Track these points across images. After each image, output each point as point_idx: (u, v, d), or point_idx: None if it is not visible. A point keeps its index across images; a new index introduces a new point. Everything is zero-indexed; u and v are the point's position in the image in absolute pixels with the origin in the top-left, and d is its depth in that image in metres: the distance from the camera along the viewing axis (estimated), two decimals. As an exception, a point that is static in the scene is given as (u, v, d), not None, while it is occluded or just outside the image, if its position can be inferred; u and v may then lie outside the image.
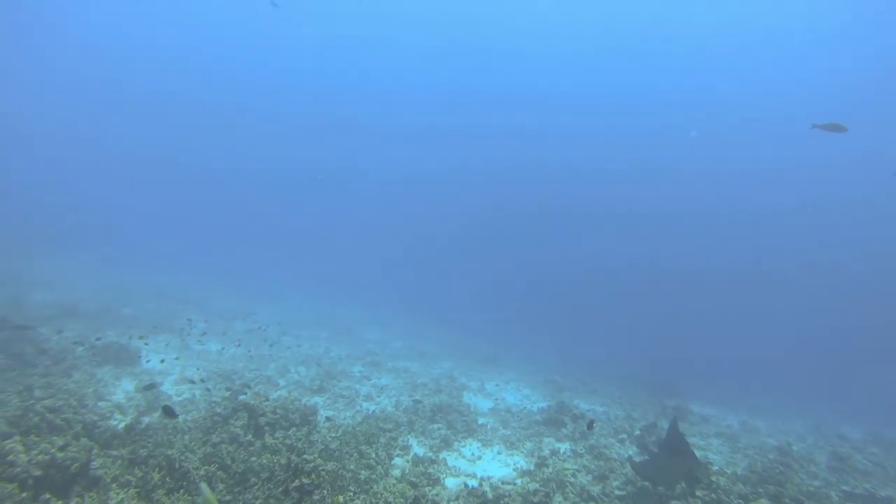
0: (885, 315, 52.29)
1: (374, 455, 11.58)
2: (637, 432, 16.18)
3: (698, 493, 10.68)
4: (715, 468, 12.02)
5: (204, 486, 7.33)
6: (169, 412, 9.44)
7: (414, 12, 75.02)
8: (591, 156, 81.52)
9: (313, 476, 8.13)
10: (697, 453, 15.34)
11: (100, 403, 12.67)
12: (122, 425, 10.26)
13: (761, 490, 10.50)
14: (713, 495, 10.39)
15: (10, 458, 7.42)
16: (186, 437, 9.97)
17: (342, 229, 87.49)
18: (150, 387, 9.49)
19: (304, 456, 8.56)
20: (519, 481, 11.84)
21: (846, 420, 24.38)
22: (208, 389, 15.36)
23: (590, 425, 12.76)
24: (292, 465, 8.29)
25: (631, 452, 14.55)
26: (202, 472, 8.15)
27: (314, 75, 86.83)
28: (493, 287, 65.44)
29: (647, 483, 11.48)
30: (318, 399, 16.52)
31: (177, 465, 8.08)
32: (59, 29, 71.00)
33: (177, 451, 8.45)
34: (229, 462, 8.76)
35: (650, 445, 14.23)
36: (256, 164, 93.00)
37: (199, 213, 77.58)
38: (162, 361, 17.20)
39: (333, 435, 12.46)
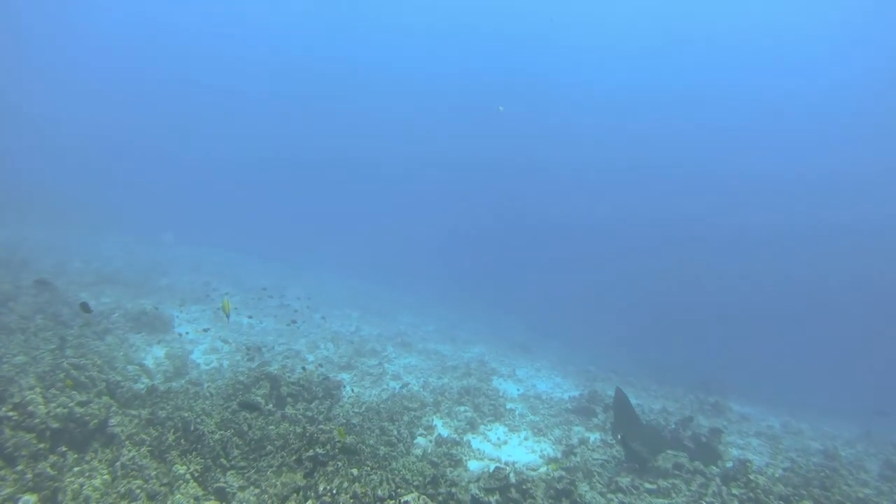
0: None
1: (395, 433, 11.32)
2: (672, 426, 15.49)
3: (735, 490, 10.07)
4: (754, 467, 11.33)
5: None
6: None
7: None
8: (626, 152, 79.95)
9: (328, 447, 7.90)
10: (735, 452, 14.71)
11: (128, 367, 12.78)
12: (144, 388, 10.26)
13: (804, 492, 9.80)
14: (751, 494, 9.77)
15: (30, 408, 7.42)
16: (207, 402, 9.91)
17: (383, 214, 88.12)
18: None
19: (321, 426, 8.34)
20: (544, 468, 11.43)
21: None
22: (265, 353, 15.43)
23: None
24: (307, 434, 8.07)
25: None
26: (217, 437, 8.01)
27: (346, 66, 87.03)
28: (535, 279, 64.88)
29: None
30: (345, 375, 16.41)
31: (192, 428, 7.95)
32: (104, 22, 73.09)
33: (193, 413, 8.33)
34: (246, 428, 8.61)
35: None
36: (296, 148, 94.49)
37: (239, 194, 79.21)
38: (185, 333, 17.37)
39: (356, 410, 12.29)
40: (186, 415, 8.33)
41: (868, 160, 65.66)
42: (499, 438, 13.23)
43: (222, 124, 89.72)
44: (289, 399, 11.53)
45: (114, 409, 8.23)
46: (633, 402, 19.26)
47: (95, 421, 7.84)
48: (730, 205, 75.68)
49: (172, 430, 8.01)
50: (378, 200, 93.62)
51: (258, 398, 10.57)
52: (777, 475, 11.85)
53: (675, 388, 23.22)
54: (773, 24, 60.92)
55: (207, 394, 10.77)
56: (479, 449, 12.23)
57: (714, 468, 11.65)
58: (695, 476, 11.23)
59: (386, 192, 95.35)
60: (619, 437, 12.25)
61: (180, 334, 16.97)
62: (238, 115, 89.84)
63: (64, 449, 7.02)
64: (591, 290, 61.24)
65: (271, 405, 10.76)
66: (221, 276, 30.09)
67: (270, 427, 8.91)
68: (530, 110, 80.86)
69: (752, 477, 10.35)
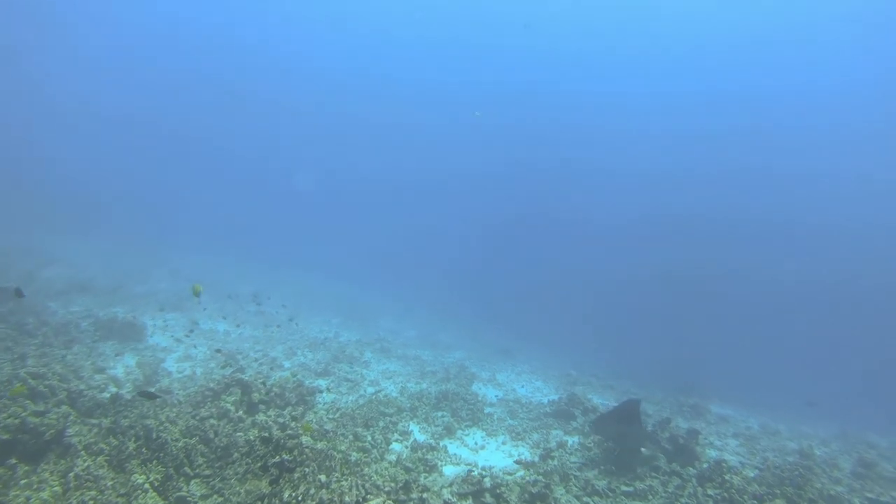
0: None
1: (370, 438, 11.14)
2: (649, 428, 15.45)
3: (710, 490, 10.03)
4: (730, 468, 11.29)
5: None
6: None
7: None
8: (610, 155, 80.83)
9: (295, 452, 7.70)
10: (712, 453, 14.70)
11: (96, 376, 12.45)
12: (108, 395, 9.97)
13: (778, 491, 9.78)
14: (725, 494, 9.73)
15: (-21, 420, 7.14)
16: (174, 409, 9.65)
17: (367, 218, 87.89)
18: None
19: (288, 431, 8.14)
20: (521, 473, 11.30)
21: (875, 428, 23.15)
22: (240, 360, 15.11)
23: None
24: (273, 439, 7.86)
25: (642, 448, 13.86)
26: (181, 445, 7.78)
27: (339, 75, 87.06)
28: (515, 284, 64.88)
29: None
30: (321, 382, 16.16)
31: (154, 436, 7.71)
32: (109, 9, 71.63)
33: (156, 421, 8.09)
34: (212, 436, 8.38)
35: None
36: (283, 156, 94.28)
37: (222, 198, 78.43)
38: (176, 338, 17.03)
39: (331, 416, 12.09)
40: (149, 422, 8.09)
41: (862, 163, 67.04)
42: (476, 443, 13.07)
43: (211, 125, 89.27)
44: (261, 406, 11.30)
45: (72, 418, 7.96)
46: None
47: (52, 431, 7.56)
48: (708, 209, 76.49)
49: (134, 439, 7.76)
50: (363, 205, 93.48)
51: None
52: (752, 475, 11.85)
53: (655, 392, 23.24)
54: (784, 22, 61.23)
55: (175, 401, 10.50)
56: (455, 454, 12.06)
57: (691, 469, 11.62)
58: (671, 478, 11.18)
59: (371, 197, 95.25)
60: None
61: (157, 343, 16.64)
62: (228, 117, 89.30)
63: (14, 461, 6.74)
64: (574, 294, 61.35)
65: (241, 412, 10.53)
66: (200, 282, 29.54)
67: (238, 434, 8.69)
68: (514, 116, 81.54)
69: (727, 477, 10.33)
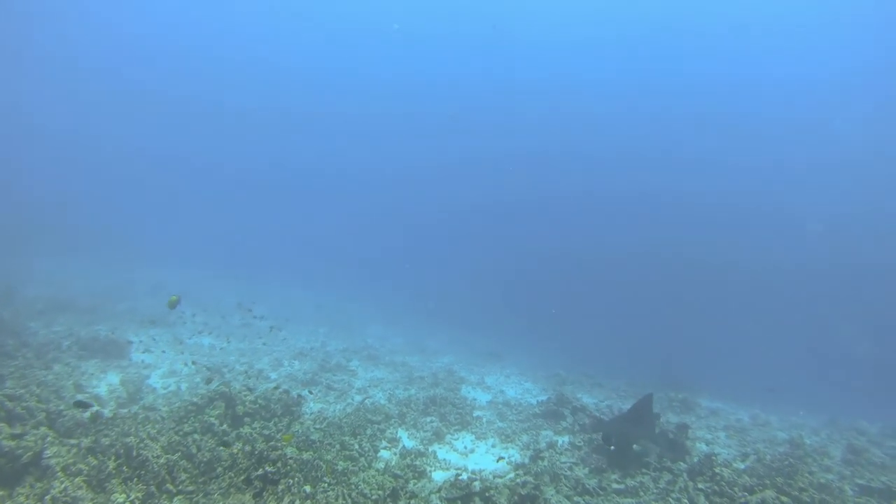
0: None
1: (357, 447, 11.03)
2: (640, 425, 15.47)
3: (701, 484, 10.05)
4: (720, 460, 11.32)
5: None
6: None
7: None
8: (596, 145, 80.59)
9: (279, 464, 7.60)
10: (703, 447, 14.74)
11: (77, 395, 12.24)
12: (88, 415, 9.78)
13: (768, 482, 9.82)
14: (716, 487, 9.75)
15: (-47, 445, 6.98)
16: (156, 426, 9.50)
17: (346, 226, 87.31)
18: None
19: (271, 443, 8.04)
20: (511, 475, 11.25)
21: (864, 414, 23.33)
22: (225, 373, 14.90)
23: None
24: (256, 452, 7.76)
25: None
26: (162, 461, 7.65)
27: (313, 72, 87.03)
28: (502, 284, 64.68)
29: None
30: (307, 391, 16.00)
31: (134, 454, 7.58)
32: (62, 22, 70.78)
33: (136, 438, 7.95)
34: (195, 451, 8.25)
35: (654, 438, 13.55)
36: (260, 162, 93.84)
37: (202, 211, 77.59)
38: (164, 353, 16.82)
39: (317, 426, 11.96)
40: (130, 440, 7.94)
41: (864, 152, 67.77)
42: (465, 447, 13.01)
43: (191, 135, 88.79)
44: (246, 418, 11.16)
45: (50, 439, 7.80)
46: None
47: (29, 454, 7.42)
48: (696, 195, 76.47)
49: (114, 458, 7.62)
50: (347, 212, 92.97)
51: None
52: (742, 467, 11.90)
53: (645, 387, 23.22)
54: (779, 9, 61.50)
55: (158, 418, 10.34)
56: (444, 459, 12.00)
57: (682, 464, 11.64)
58: (662, 473, 11.19)
59: (353, 203, 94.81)
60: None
61: (141, 360, 16.41)
62: (207, 126, 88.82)
63: (-10, 485, 6.60)
64: (564, 293, 61.32)
65: (226, 425, 10.38)
66: (184, 297, 29.23)
67: (221, 448, 8.57)
68: (501, 108, 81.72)
69: (717, 470, 10.35)
